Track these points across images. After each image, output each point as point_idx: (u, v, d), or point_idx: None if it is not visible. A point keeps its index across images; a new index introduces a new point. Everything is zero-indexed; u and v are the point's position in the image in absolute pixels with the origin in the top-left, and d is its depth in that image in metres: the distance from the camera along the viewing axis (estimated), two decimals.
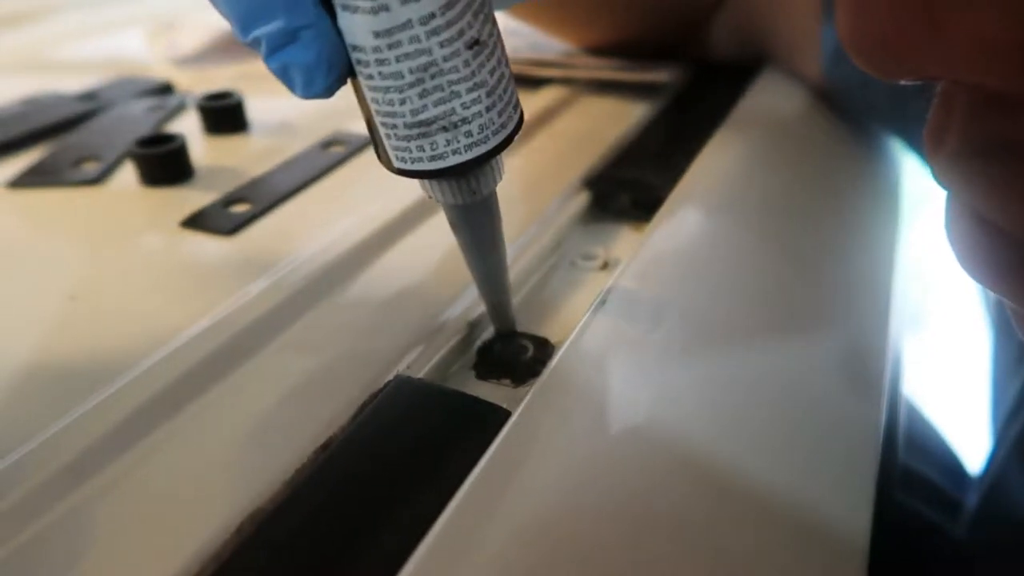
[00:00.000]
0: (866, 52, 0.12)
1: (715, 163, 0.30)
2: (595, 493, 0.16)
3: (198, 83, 0.41)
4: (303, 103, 0.38)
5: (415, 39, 0.14)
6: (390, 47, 0.14)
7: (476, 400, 0.18)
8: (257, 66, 0.44)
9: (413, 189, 0.29)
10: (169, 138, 0.30)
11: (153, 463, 0.17)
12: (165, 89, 0.41)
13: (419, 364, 0.20)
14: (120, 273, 0.24)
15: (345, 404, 0.18)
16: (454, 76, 0.15)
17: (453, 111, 0.15)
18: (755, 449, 0.20)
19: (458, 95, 0.15)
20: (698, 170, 0.29)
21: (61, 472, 0.16)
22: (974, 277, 0.13)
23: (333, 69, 0.15)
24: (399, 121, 0.15)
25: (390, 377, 0.19)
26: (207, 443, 0.17)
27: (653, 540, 0.16)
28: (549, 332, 0.23)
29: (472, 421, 0.18)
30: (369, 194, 0.29)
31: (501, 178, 0.18)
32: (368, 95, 0.15)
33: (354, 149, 0.33)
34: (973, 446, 0.33)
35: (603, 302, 0.21)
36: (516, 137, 0.17)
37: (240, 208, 0.28)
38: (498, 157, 0.17)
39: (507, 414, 0.18)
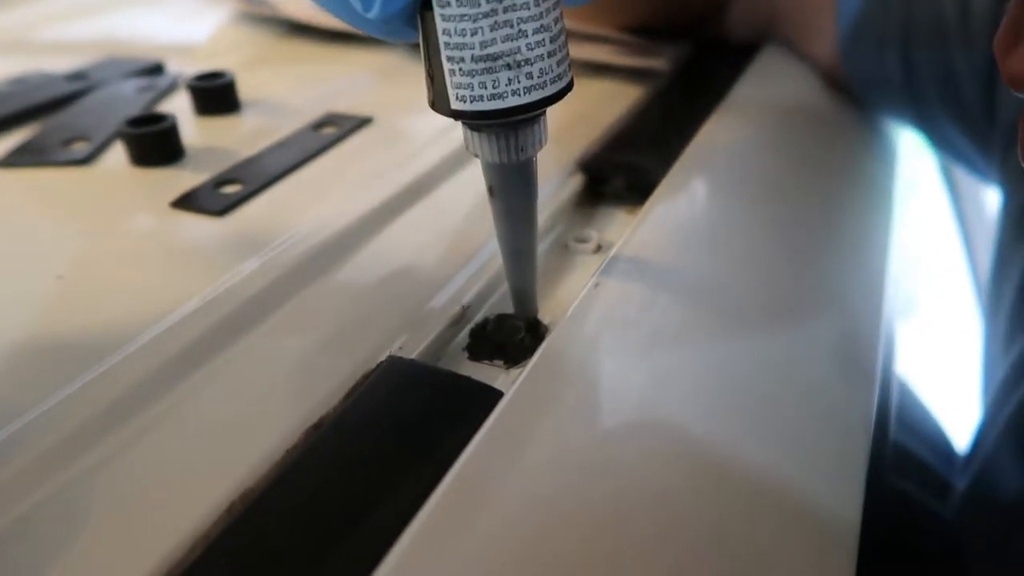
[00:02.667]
0: None
1: (710, 147, 0.30)
2: (587, 474, 0.16)
3: (188, 64, 0.41)
4: (296, 84, 0.38)
5: None
6: None
7: (468, 380, 0.18)
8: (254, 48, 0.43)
9: (407, 170, 0.29)
10: (159, 118, 0.30)
11: (143, 443, 0.17)
12: (156, 69, 0.41)
13: (411, 345, 0.20)
14: (108, 253, 0.24)
15: (337, 385, 0.18)
16: (524, 14, 0.15)
17: (518, 49, 0.16)
18: (747, 430, 0.20)
19: (525, 34, 0.15)
20: (692, 154, 0.29)
21: (50, 451, 0.16)
22: None
23: None
24: (467, 54, 0.15)
25: (382, 358, 0.19)
26: (198, 423, 0.17)
27: (644, 521, 0.16)
28: (542, 313, 0.23)
29: (465, 401, 0.18)
30: (362, 175, 0.29)
31: (545, 144, 0.18)
32: (440, 25, 0.15)
33: (347, 130, 0.32)
34: (963, 428, 0.33)
35: (596, 285, 0.21)
36: (568, 93, 0.17)
37: (231, 189, 0.27)
38: (543, 124, 0.18)
39: (499, 395, 0.18)
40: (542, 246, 0.26)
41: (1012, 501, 0.26)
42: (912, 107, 0.36)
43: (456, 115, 0.17)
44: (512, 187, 0.19)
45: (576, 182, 0.29)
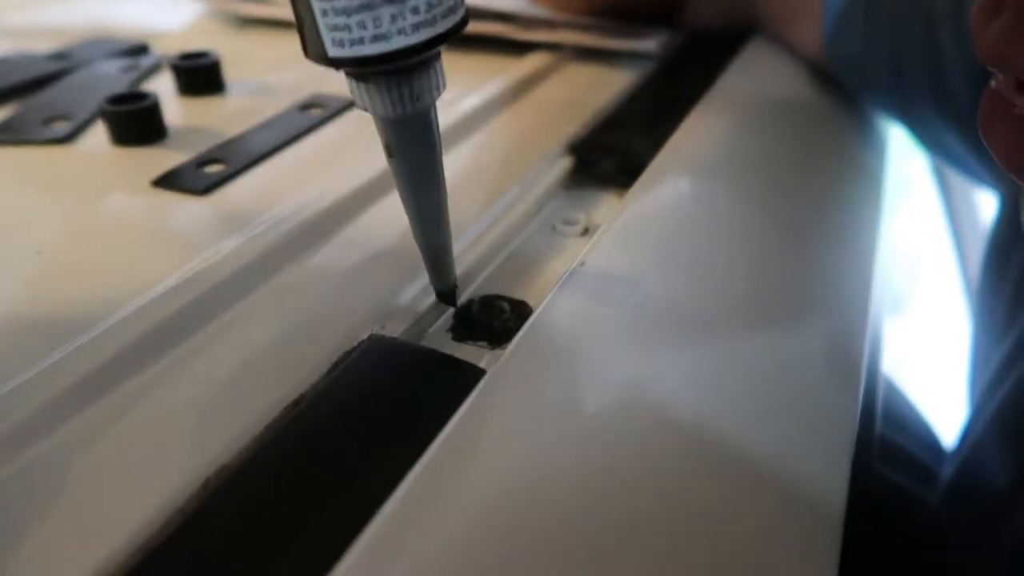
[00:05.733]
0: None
1: (699, 131, 0.30)
2: (567, 455, 0.16)
3: (174, 44, 0.40)
4: (282, 64, 0.37)
5: None
6: None
7: (451, 359, 0.18)
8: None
9: None
10: (141, 96, 0.30)
11: (120, 418, 0.16)
12: (140, 49, 0.40)
13: (395, 325, 0.20)
14: (87, 230, 0.24)
15: (317, 362, 0.18)
16: None
17: None
18: (730, 416, 0.19)
19: None
20: (681, 138, 0.29)
21: (25, 424, 0.16)
22: (1015, 174, 0.14)
23: None
24: None
25: (364, 337, 0.19)
26: (176, 398, 0.17)
27: (627, 503, 0.15)
28: (528, 295, 0.23)
29: (447, 380, 0.17)
30: (348, 156, 0.28)
31: (443, 90, 0.16)
32: None
33: (333, 112, 0.32)
34: (950, 424, 0.33)
35: (581, 264, 0.21)
36: (462, 30, 0.15)
37: (214, 168, 0.27)
38: (439, 67, 0.15)
39: (482, 373, 0.17)
40: (528, 228, 0.26)
41: (997, 491, 0.26)
42: (899, 101, 0.35)
43: (334, 63, 0.14)
44: (411, 143, 0.16)
45: (564, 164, 0.29)
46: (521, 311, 0.22)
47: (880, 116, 0.39)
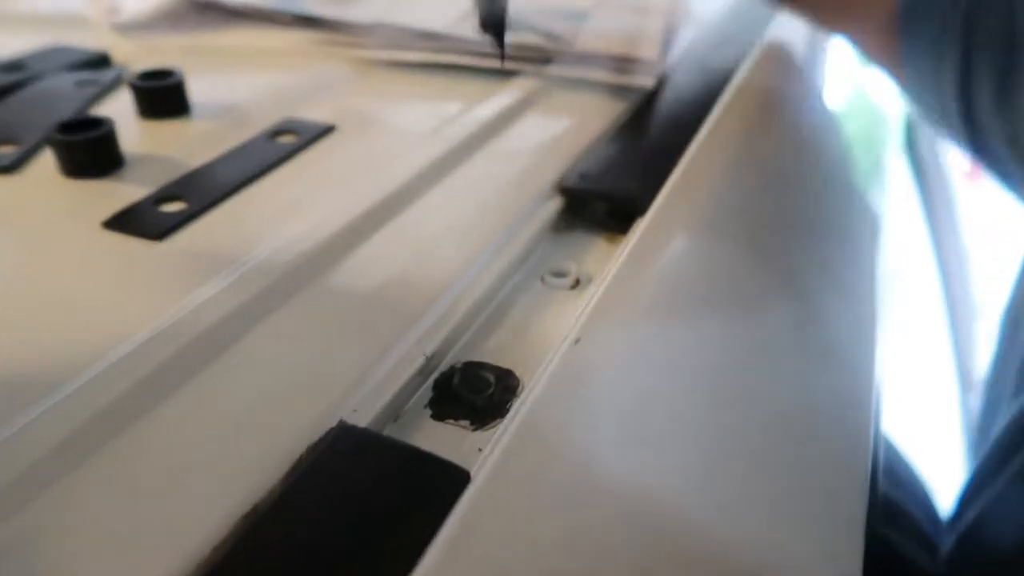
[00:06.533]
0: None
1: (696, 174, 0.28)
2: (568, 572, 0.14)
3: (141, 55, 0.38)
4: (253, 85, 0.35)
5: None
6: None
7: (430, 457, 0.16)
8: (208, 39, 0.40)
9: (370, 189, 0.26)
10: (96, 122, 0.27)
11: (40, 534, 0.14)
12: (101, 61, 0.37)
13: (368, 402, 0.18)
14: (26, 281, 0.21)
15: (278, 459, 0.16)
16: None
17: None
18: (743, 503, 0.18)
19: None
20: (678, 184, 0.27)
21: None
22: None
23: None
24: None
25: (332, 424, 0.17)
26: (103, 515, 0.15)
27: None
28: (514, 362, 0.21)
29: (426, 483, 0.15)
30: (321, 193, 0.26)
31: None
32: None
33: (308, 139, 0.30)
34: (949, 488, 0.32)
35: (575, 342, 0.19)
36: None
37: (173, 207, 0.25)
38: None
39: (465, 477, 0.15)
40: (514, 280, 0.24)
41: (1003, 560, 0.25)
42: (965, 117, 0.31)
43: None
44: None
45: (553, 206, 0.27)
46: (507, 383, 0.20)
47: (928, 124, 0.35)
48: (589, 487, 0.16)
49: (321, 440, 0.16)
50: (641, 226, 0.24)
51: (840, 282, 0.28)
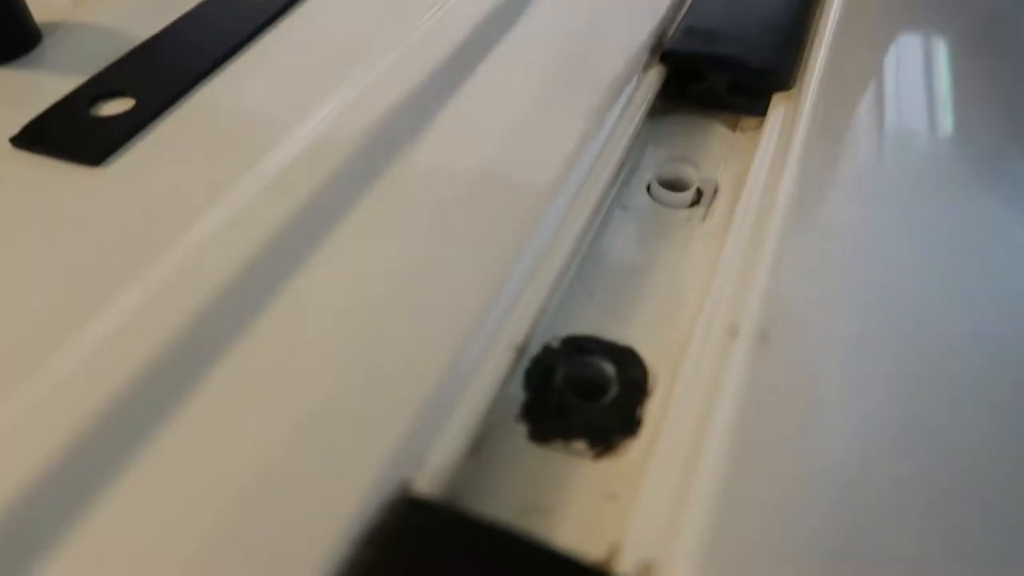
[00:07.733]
0: None
1: (855, 33, 0.20)
2: None
3: None
4: None
5: None
6: None
7: (545, 552, 0.10)
8: None
9: (397, 75, 0.18)
10: None
11: None
12: None
13: (440, 440, 0.11)
14: None
15: (324, 548, 0.09)
16: None
17: None
18: None
19: None
20: (832, 43, 0.19)
21: None
22: None
23: None
24: None
25: (388, 490, 0.10)
26: None
27: None
28: (633, 335, 0.14)
29: None
30: (329, 65, 0.18)
31: None
32: None
33: None
34: None
35: (762, 337, 0.12)
36: None
37: (114, 107, 0.17)
38: None
39: None
40: (620, 201, 0.17)
41: None
42: None
43: None
44: None
45: (653, 79, 0.19)
46: (629, 372, 0.14)
47: None
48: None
49: (375, 528, 0.10)
50: (795, 108, 0.16)
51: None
